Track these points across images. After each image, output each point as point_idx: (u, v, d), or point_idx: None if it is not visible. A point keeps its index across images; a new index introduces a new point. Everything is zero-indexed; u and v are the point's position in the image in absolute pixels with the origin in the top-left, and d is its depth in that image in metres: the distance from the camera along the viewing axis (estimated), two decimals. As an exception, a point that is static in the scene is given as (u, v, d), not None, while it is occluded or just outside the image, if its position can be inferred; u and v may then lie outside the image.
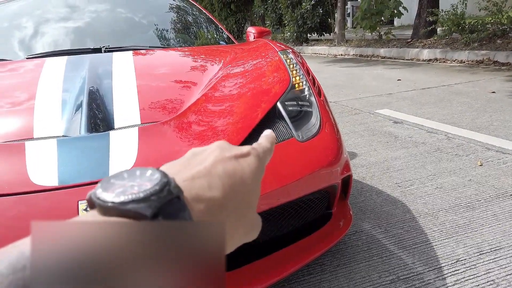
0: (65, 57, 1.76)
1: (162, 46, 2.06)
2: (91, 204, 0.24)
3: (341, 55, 10.34)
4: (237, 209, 0.30)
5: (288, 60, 1.71)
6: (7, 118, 1.30)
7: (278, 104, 1.38)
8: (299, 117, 1.39)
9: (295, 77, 1.56)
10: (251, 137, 1.25)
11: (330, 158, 1.25)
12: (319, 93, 1.57)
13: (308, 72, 1.72)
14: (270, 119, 1.34)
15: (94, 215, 0.24)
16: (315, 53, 11.53)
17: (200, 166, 0.29)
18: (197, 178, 0.28)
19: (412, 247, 1.57)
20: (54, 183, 1.00)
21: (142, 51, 1.90)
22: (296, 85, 1.51)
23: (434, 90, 4.69)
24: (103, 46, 1.91)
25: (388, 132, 3.15)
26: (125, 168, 1.06)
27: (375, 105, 4.11)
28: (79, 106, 1.32)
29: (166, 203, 0.24)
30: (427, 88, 4.85)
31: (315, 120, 1.38)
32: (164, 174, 0.26)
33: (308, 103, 1.45)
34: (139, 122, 1.28)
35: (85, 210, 0.96)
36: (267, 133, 0.38)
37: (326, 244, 1.31)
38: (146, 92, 1.47)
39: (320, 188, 1.24)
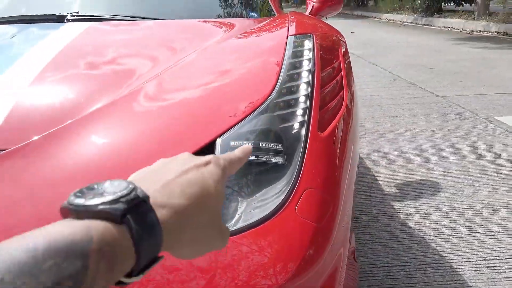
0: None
1: (153, 18, 1.48)
2: (65, 214, 0.27)
3: (479, 31, 8.54)
4: (202, 215, 0.33)
5: (297, 52, 1.01)
6: None
7: (217, 143, 0.74)
8: (257, 173, 0.72)
9: (288, 86, 0.88)
10: None
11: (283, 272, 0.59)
12: (348, 111, 0.86)
13: (344, 77, 1.02)
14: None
15: (68, 221, 0.26)
16: (446, 27, 9.75)
17: (167, 176, 0.33)
18: (163, 186, 0.32)
19: None
20: None
21: (106, 24, 1.34)
22: (281, 103, 0.83)
23: None
24: (70, 13, 1.41)
25: (503, 155, 2.18)
26: None
27: (499, 109, 3.03)
28: None
29: (134, 205, 0.28)
30: None
31: (285, 182, 0.70)
32: (132, 183, 0.29)
33: (285, 147, 0.76)
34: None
35: None
36: (244, 146, 0.43)
37: None
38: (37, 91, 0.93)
39: None
